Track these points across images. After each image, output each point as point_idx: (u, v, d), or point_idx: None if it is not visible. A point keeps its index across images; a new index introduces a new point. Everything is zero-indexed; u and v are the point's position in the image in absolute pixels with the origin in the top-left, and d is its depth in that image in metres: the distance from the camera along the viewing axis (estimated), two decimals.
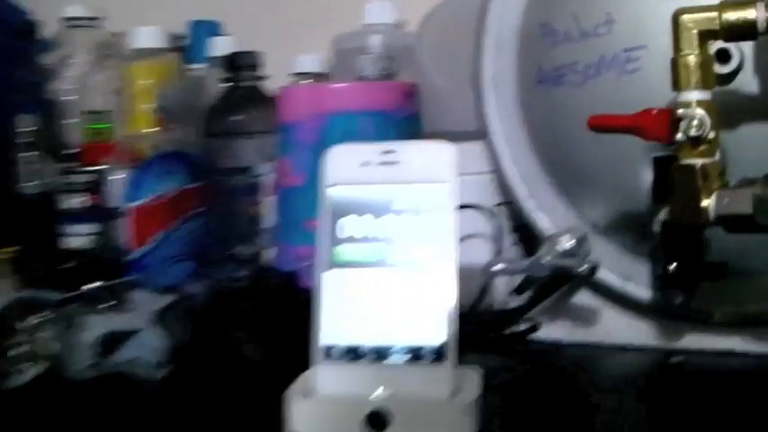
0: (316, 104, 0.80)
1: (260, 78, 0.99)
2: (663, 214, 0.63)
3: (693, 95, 0.58)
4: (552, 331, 0.74)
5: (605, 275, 0.72)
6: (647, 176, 0.66)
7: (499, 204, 0.81)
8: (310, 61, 1.06)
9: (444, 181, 0.52)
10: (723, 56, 0.63)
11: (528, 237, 0.78)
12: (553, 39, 0.72)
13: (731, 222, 0.57)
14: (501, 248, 0.79)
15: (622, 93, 0.67)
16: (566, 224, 0.73)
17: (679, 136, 0.58)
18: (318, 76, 1.05)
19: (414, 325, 0.50)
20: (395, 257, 0.51)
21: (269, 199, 0.89)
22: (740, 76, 0.64)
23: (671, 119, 0.58)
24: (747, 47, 0.63)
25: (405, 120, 0.80)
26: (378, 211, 0.52)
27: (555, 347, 0.73)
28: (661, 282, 0.64)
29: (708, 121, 0.57)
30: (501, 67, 0.77)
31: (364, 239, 0.52)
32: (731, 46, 0.63)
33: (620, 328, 0.72)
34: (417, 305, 0.50)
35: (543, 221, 0.75)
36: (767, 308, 0.67)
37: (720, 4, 0.58)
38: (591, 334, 0.73)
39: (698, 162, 0.58)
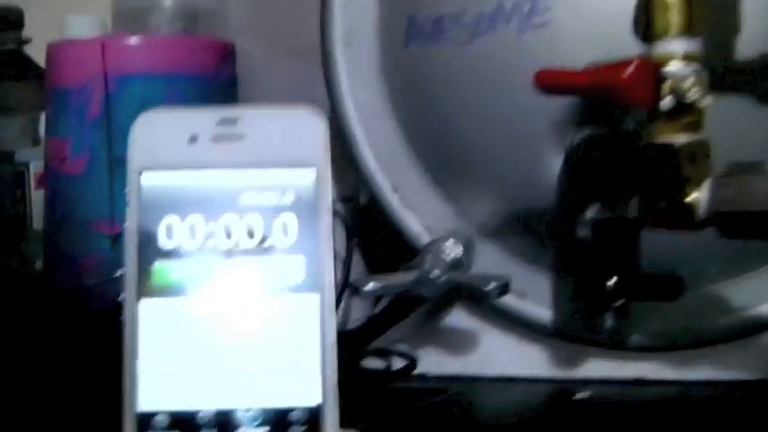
0: (99, 64, 0.63)
1: (23, 42, 0.87)
2: (593, 212, 0.50)
3: (677, 46, 0.44)
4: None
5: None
6: (553, 162, 0.53)
7: (346, 200, 0.67)
8: (85, 23, 0.85)
9: (311, 165, 0.40)
10: None
11: (380, 241, 0.66)
12: None
13: (733, 222, 0.43)
14: (350, 258, 0.65)
15: (525, 54, 0.54)
16: (441, 226, 0.60)
17: (666, 101, 0.44)
18: None
19: (274, 379, 0.38)
20: (243, 279, 0.39)
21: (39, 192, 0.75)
22: None
23: (657, 75, 0.44)
24: None
25: (220, 86, 0.65)
26: (215, 209, 0.39)
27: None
28: (585, 301, 0.53)
29: (703, 81, 0.44)
30: (356, 18, 0.62)
31: (197, 252, 0.39)
32: None
33: (506, 356, 0.62)
34: (279, 349, 0.38)
35: (412, 222, 0.61)
36: (691, 328, 0.58)
37: None
38: (468, 364, 0.62)
39: (681, 140, 0.44)
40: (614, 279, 0.49)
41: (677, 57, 0.44)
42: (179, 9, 0.80)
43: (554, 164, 0.53)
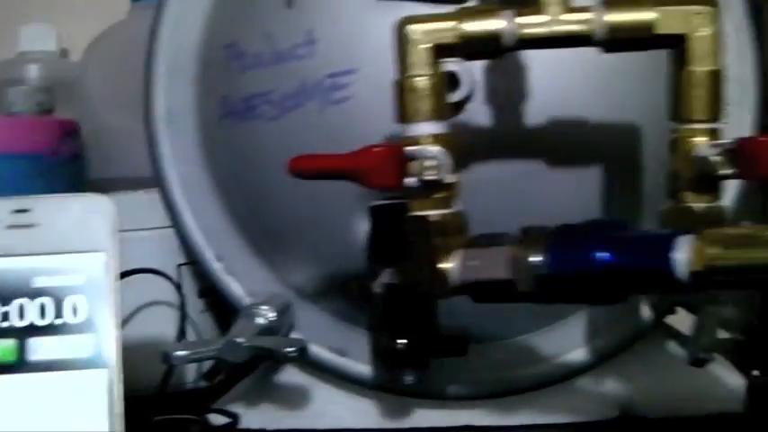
0: None
1: None
2: (386, 277, 0.50)
3: (426, 128, 0.47)
4: (253, 417, 0.62)
5: (316, 350, 0.61)
6: (361, 230, 0.54)
7: (182, 265, 0.68)
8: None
9: (99, 250, 0.42)
10: (451, 81, 0.53)
11: (220, 303, 0.66)
12: (241, 63, 0.59)
13: (482, 290, 0.45)
14: (184, 321, 0.66)
15: (328, 127, 0.56)
16: (264, 290, 0.61)
17: (411, 180, 0.46)
18: None
19: None
20: (32, 361, 0.41)
21: None
22: (469, 106, 0.55)
23: (399, 159, 0.46)
24: (478, 70, 0.54)
25: (60, 165, 0.67)
26: (8, 292, 0.41)
27: None
28: (386, 359, 0.52)
29: (446, 160, 0.46)
30: (177, 98, 0.62)
31: None
32: (459, 68, 0.53)
33: (337, 409, 0.62)
34: (70, 421, 0.40)
35: (235, 288, 0.62)
36: (505, 377, 0.60)
37: (459, 10, 0.47)
38: (301, 418, 0.62)
39: (433, 213, 0.47)
40: (404, 341, 0.51)
41: (425, 140, 0.47)
42: (41, 84, 0.83)
43: (362, 229, 0.53)
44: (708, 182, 0.45)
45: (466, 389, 0.60)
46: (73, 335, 0.41)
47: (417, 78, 0.46)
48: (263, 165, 0.58)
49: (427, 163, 0.45)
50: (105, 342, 0.41)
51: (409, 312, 0.51)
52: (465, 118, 0.55)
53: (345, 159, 0.46)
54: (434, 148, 0.46)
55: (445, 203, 0.47)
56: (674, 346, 0.61)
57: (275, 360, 0.58)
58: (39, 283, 0.41)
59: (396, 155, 0.46)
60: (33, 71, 0.90)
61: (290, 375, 0.63)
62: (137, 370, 0.64)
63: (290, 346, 0.52)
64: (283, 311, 0.58)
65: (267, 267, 0.62)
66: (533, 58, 0.53)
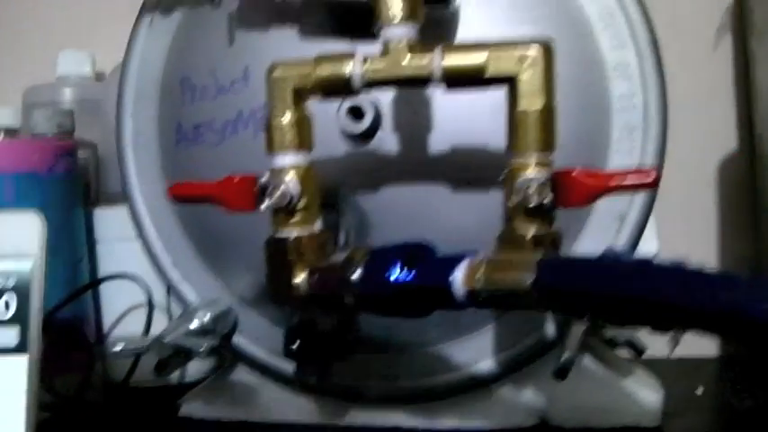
0: None
1: None
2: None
3: (286, 160, 0.53)
4: (212, 409, 0.69)
5: (255, 351, 0.68)
6: None
7: None
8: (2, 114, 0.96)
9: (29, 256, 0.50)
10: (356, 113, 0.60)
11: None
12: (192, 95, 0.67)
13: (322, 303, 0.51)
14: (151, 319, 0.74)
15: (260, 152, 0.59)
16: (212, 296, 0.68)
17: (262, 206, 0.52)
18: (11, 132, 0.95)
19: None
20: None
21: None
22: (380, 134, 0.62)
23: (254, 187, 0.52)
24: (386, 103, 0.61)
25: (55, 181, 0.74)
26: None
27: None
28: (293, 358, 0.59)
29: (297, 188, 0.52)
30: (142, 123, 0.70)
31: None
32: (364, 102, 0.60)
33: (281, 406, 0.68)
34: None
35: (190, 293, 0.69)
36: (421, 383, 0.65)
37: (316, 57, 0.53)
38: (251, 412, 0.69)
39: (291, 234, 0.53)
40: (297, 343, 0.57)
41: (286, 170, 0.53)
42: (76, 107, 0.90)
43: None
44: (534, 210, 0.49)
45: (385, 392, 0.65)
46: (4, 327, 0.49)
47: (280, 116, 0.53)
48: None
49: (276, 191, 0.51)
50: (30, 332, 0.49)
51: (305, 320, 0.58)
52: (374, 145, 0.61)
53: (211, 187, 0.53)
54: (286, 178, 0.52)
55: (302, 226, 0.53)
56: (589, 360, 0.64)
57: (190, 356, 0.63)
58: None
59: (250, 184, 0.52)
60: (67, 94, 0.96)
61: (243, 375, 0.69)
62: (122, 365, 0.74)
63: (204, 344, 0.60)
64: (221, 316, 0.64)
65: (215, 275, 0.68)
66: (436, 90, 0.57)
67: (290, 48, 0.63)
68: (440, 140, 0.61)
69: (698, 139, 0.94)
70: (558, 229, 0.51)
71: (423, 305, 0.46)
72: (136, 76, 0.70)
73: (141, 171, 0.70)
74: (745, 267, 0.96)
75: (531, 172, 0.50)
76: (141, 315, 0.75)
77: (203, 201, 0.54)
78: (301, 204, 0.52)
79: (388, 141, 0.61)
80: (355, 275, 0.47)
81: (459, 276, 0.44)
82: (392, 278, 0.45)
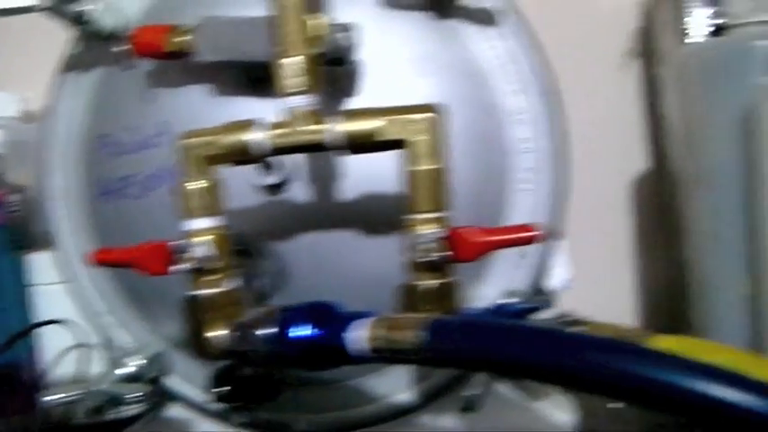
0: None
1: None
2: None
3: (199, 223, 0.55)
4: None
5: (188, 390, 0.71)
6: None
7: None
8: None
9: None
10: (267, 166, 0.63)
11: None
12: (110, 150, 0.69)
13: (237, 357, 0.54)
14: (86, 364, 0.74)
15: None
16: (144, 339, 0.71)
17: (173, 269, 0.55)
18: None
19: None
20: None
21: None
22: (295, 184, 0.65)
23: (167, 252, 0.55)
24: (300, 157, 0.63)
25: None
26: None
27: None
28: (221, 402, 0.62)
29: (208, 251, 0.55)
30: (69, 177, 0.72)
31: None
32: (274, 159, 0.62)
33: None
34: None
35: (124, 337, 0.72)
36: (346, 414, 0.68)
37: (222, 126, 0.55)
38: None
39: (206, 292, 0.56)
40: (223, 389, 0.60)
41: (198, 233, 0.55)
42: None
43: None
44: (427, 264, 0.53)
45: (312, 425, 0.68)
46: None
47: (190, 183, 0.55)
48: (134, 235, 0.64)
49: (188, 254, 0.54)
50: None
51: (230, 367, 0.61)
52: (288, 195, 0.65)
53: (127, 253, 0.56)
54: (198, 240, 0.55)
55: (216, 284, 0.56)
56: (504, 388, 0.68)
57: (121, 403, 0.66)
58: None
59: (161, 249, 0.55)
60: None
61: (178, 411, 0.72)
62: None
63: (133, 393, 0.63)
64: (151, 360, 0.68)
65: (146, 320, 0.71)
66: None
67: (208, 104, 0.66)
68: (351, 188, 0.64)
69: (609, 160, 0.98)
70: (454, 279, 0.54)
71: (329, 362, 0.49)
72: (63, 131, 0.72)
73: (71, 221, 0.72)
74: (661, 284, 1.00)
75: (425, 229, 0.53)
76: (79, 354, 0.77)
77: (122, 266, 0.57)
78: (213, 265, 0.55)
79: (301, 191, 0.65)
80: (263, 332, 0.50)
81: (352, 335, 0.46)
82: (297, 336, 0.48)
